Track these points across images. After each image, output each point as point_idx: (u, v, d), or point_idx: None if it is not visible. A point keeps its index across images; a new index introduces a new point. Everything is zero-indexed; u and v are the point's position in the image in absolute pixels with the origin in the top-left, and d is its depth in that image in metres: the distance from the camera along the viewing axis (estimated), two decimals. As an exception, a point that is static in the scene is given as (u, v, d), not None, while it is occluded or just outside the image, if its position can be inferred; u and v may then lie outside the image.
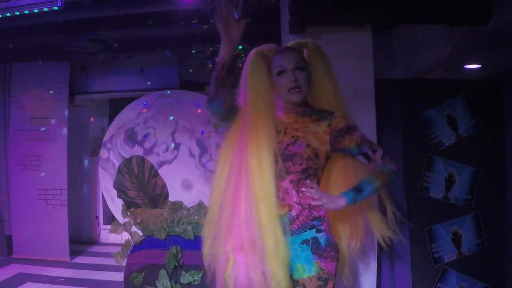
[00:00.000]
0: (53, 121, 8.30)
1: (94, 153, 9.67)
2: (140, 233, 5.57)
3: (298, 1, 4.04)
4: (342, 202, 2.71)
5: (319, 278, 2.57)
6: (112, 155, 9.04)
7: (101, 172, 9.20)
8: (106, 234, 9.38)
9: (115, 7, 5.89)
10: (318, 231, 2.68)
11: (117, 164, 8.83)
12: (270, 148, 2.65)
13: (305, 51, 2.96)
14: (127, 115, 8.96)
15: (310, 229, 2.67)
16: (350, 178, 2.97)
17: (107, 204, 9.22)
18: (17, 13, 5.23)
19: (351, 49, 4.34)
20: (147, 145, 8.70)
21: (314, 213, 2.71)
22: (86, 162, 9.59)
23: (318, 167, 2.78)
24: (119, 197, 6.06)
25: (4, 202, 8.46)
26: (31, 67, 8.39)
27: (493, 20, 3.60)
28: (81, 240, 9.21)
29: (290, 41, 4.13)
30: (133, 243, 5.51)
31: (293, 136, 2.76)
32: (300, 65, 2.76)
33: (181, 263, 5.19)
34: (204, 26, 6.23)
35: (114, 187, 6.21)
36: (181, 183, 8.24)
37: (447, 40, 4.38)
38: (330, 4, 4.02)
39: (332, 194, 2.85)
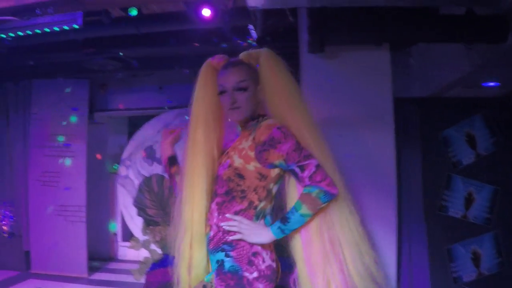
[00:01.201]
0: (72, 138, 8.35)
1: (113, 170, 9.72)
2: (159, 251, 5.57)
3: (317, 20, 4.06)
4: (267, 235, 2.53)
5: None
6: (131, 173, 9.10)
7: (119, 189, 9.25)
8: (124, 251, 9.40)
9: (134, 26, 5.95)
10: (227, 255, 2.55)
11: (135, 181, 8.88)
12: (202, 172, 2.64)
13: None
14: (146, 132, 9.02)
15: (221, 251, 2.57)
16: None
17: (125, 221, 9.27)
18: (38, 30, 5.30)
19: (369, 67, 4.34)
20: (165, 162, 8.72)
21: (227, 237, 2.57)
22: (105, 179, 9.63)
23: (247, 188, 2.58)
24: (139, 215, 6.07)
25: (22, 218, 8.51)
26: (51, 84, 8.47)
27: (511, 38, 3.60)
28: (99, 257, 9.22)
29: (309, 60, 4.16)
30: (152, 260, 5.52)
31: (227, 157, 2.66)
32: (241, 85, 2.60)
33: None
34: (223, 44, 6.26)
35: (134, 205, 6.23)
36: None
37: (465, 58, 4.38)
38: (348, 23, 4.04)
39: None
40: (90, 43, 6.79)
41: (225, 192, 2.59)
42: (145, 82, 9.08)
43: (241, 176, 2.56)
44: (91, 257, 8.45)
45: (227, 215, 2.57)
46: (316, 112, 5.28)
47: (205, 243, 2.66)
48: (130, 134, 10.11)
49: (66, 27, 5.19)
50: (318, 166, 2.47)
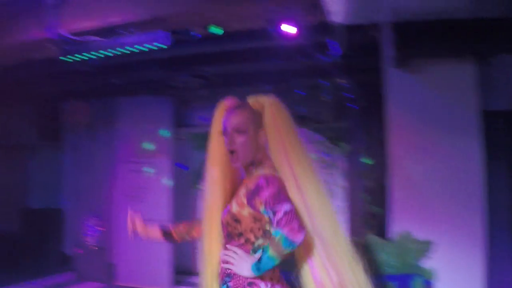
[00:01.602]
0: (157, 154, 8.50)
1: (196, 185, 9.79)
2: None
3: (401, 34, 3.97)
4: (247, 269, 2.55)
5: None
6: (214, 188, 9.14)
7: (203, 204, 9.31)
8: (208, 266, 9.44)
9: (217, 43, 5.99)
10: (227, 287, 2.65)
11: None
12: (218, 207, 2.77)
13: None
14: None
15: (224, 284, 2.67)
16: None
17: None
18: (124, 50, 5.40)
19: (454, 80, 4.26)
20: (247, 177, 8.74)
21: (228, 270, 2.66)
22: (188, 194, 9.72)
23: (244, 230, 2.65)
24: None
25: (108, 231, 8.70)
26: (136, 102, 8.66)
27: None
28: (183, 270, 9.30)
29: (393, 75, 4.07)
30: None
31: (230, 202, 2.73)
32: (240, 127, 2.66)
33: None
34: (305, 61, 6.21)
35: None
36: (282, 216, 8.20)
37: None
38: (432, 36, 3.94)
39: None
40: (174, 61, 6.89)
41: (226, 235, 2.71)
42: (227, 99, 9.13)
43: (237, 221, 2.65)
44: (176, 271, 8.56)
45: (227, 245, 2.67)
46: (400, 127, 5.18)
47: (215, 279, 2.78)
48: (213, 149, 10.18)
49: (151, 46, 5.26)
50: (287, 212, 2.43)
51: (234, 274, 2.63)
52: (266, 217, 2.61)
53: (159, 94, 8.63)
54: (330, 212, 2.72)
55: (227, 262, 2.64)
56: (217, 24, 5.57)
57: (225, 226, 2.70)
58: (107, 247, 8.75)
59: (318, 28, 5.00)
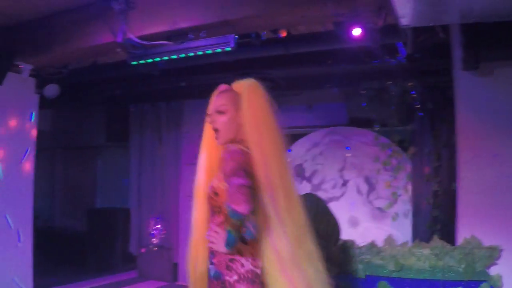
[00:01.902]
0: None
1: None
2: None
3: (470, 36, 3.92)
4: (221, 246, 2.75)
5: None
6: (281, 190, 9.18)
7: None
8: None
9: (283, 46, 6.03)
10: (211, 263, 2.88)
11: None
12: (202, 185, 3.07)
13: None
14: (295, 151, 9.09)
15: (210, 261, 2.91)
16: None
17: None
18: (191, 53, 5.49)
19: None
20: (315, 181, 8.75)
21: (211, 248, 2.88)
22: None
23: (222, 204, 2.81)
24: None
25: (172, 232, 8.85)
26: (202, 104, 8.73)
27: None
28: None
29: (463, 77, 4.04)
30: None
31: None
32: (220, 108, 2.96)
33: (349, 303, 5.12)
34: (372, 63, 6.19)
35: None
36: (348, 220, 8.18)
37: None
38: (502, 38, 3.87)
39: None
40: (241, 65, 6.97)
41: (210, 208, 2.94)
42: (293, 102, 9.15)
43: (216, 194, 2.86)
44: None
45: (210, 225, 2.90)
46: (469, 130, 5.10)
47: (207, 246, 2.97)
48: (279, 153, 10.22)
49: (218, 50, 5.33)
50: (236, 185, 2.64)
51: (216, 251, 2.85)
52: None
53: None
54: (294, 194, 2.96)
55: (210, 242, 2.83)
56: (284, 27, 5.61)
57: (207, 199, 2.93)
58: (171, 247, 8.90)
59: (386, 30, 4.98)
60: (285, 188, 2.87)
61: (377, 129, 7.68)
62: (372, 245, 5.65)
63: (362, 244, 5.64)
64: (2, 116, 6.75)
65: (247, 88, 3.03)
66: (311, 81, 7.73)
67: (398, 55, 5.76)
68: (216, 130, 2.95)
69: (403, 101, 6.98)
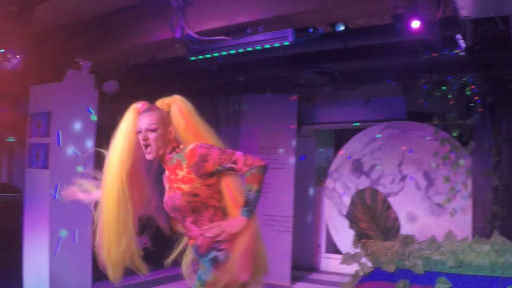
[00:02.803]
0: (281, 151, 8.64)
1: (319, 182, 9.87)
2: (370, 264, 5.56)
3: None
4: (241, 221, 3.08)
5: (213, 285, 3.07)
6: (338, 185, 9.19)
7: (326, 201, 9.38)
8: (327, 262, 9.49)
9: (341, 40, 6.03)
10: (219, 250, 3.10)
11: (342, 194, 8.96)
12: (114, 191, 3.19)
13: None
14: (353, 146, 9.08)
15: (212, 250, 3.12)
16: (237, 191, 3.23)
17: (329, 233, 9.36)
18: (250, 48, 5.55)
19: None
20: (373, 176, 8.73)
21: (217, 240, 3.11)
22: (311, 191, 9.82)
23: (205, 199, 3.14)
24: (350, 227, 6.12)
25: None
26: (260, 99, 8.85)
27: None
28: (302, 267, 9.40)
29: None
30: (361, 273, 5.52)
31: (173, 189, 3.17)
32: (151, 127, 3.14)
33: (408, 297, 5.09)
34: (431, 55, 6.12)
35: (346, 218, 6.30)
36: (406, 215, 8.13)
37: None
38: None
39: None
40: (298, 59, 7.00)
41: (191, 211, 3.16)
42: (351, 96, 9.13)
43: (195, 195, 3.11)
44: (294, 267, 8.63)
45: (205, 227, 3.14)
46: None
47: (121, 238, 3.24)
48: (336, 147, 10.22)
49: (277, 44, 5.37)
50: (244, 155, 3.09)
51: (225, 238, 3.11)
52: (215, 178, 3.14)
53: (284, 91, 8.76)
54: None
55: (216, 235, 3.10)
56: (342, 21, 5.61)
57: (187, 206, 3.13)
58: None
59: (445, 22, 4.93)
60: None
61: (436, 123, 7.58)
62: (432, 240, 5.61)
63: (422, 239, 5.60)
64: (62, 112, 6.97)
65: (174, 103, 3.28)
66: (369, 74, 7.69)
67: (457, 47, 5.69)
68: (147, 146, 3.16)
69: (463, 94, 6.89)
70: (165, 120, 3.22)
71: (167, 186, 3.28)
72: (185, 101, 3.32)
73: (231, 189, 3.20)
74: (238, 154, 3.09)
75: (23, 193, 7.54)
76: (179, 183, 3.14)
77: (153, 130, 3.15)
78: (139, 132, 3.19)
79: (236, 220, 3.11)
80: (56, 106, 6.94)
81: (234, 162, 3.06)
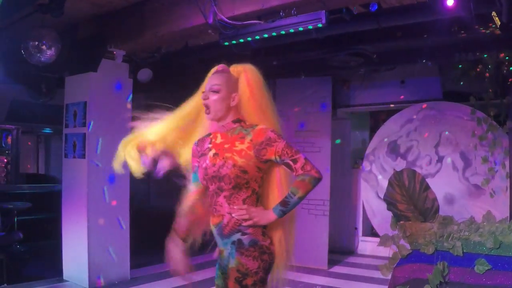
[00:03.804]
0: (317, 134, 8.64)
1: (356, 165, 9.85)
2: (408, 246, 5.54)
3: None
4: (271, 216, 3.08)
5: (237, 270, 3.01)
6: (374, 167, 9.16)
7: (362, 184, 9.36)
8: (364, 245, 9.51)
9: (375, 21, 5.97)
10: (244, 234, 3.06)
11: (379, 176, 8.94)
12: (172, 125, 3.47)
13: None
14: (389, 127, 9.03)
15: (237, 232, 3.07)
16: (283, 188, 3.21)
17: (366, 216, 9.35)
18: (283, 32, 5.54)
19: None
20: (410, 157, 8.68)
21: (242, 222, 3.08)
22: (347, 174, 9.80)
23: (250, 179, 3.09)
24: (388, 209, 6.08)
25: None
26: (294, 83, 8.82)
27: None
28: (339, 250, 9.45)
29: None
30: (399, 256, 5.49)
31: (223, 158, 3.11)
32: (214, 88, 3.15)
33: (447, 280, 5.03)
34: (467, 34, 6.03)
35: (383, 200, 6.26)
36: (443, 197, 8.07)
37: None
38: None
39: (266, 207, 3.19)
40: (332, 41, 6.96)
41: (233, 187, 3.08)
42: (386, 77, 9.07)
43: (245, 172, 3.06)
44: (331, 250, 8.67)
45: (235, 207, 3.08)
46: None
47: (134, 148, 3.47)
48: (372, 129, 10.18)
49: (310, 27, 5.35)
50: (306, 159, 3.07)
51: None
52: (268, 166, 3.14)
53: (318, 74, 8.71)
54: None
55: (241, 219, 3.06)
56: (375, 1, 5.56)
57: (233, 179, 3.06)
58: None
59: (480, -1, 4.86)
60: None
61: (472, 103, 7.48)
62: (471, 221, 5.54)
63: (461, 221, 5.54)
64: (98, 102, 7.09)
65: (245, 72, 3.28)
66: (403, 55, 7.60)
67: (493, 25, 5.60)
68: (207, 107, 3.17)
69: (499, 73, 6.78)
70: (231, 85, 3.21)
71: (211, 152, 3.21)
72: (256, 73, 3.31)
73: (282, 182, 3.22)
74: (301, 156, 3.07)
75: (61, 183, 7.71)
76: (234, 154, 3.09)
77: (215, 91, 3.16)
78: (204, 91, 3.23)
79: (267, 213, 3.10)
80: (91, 96, 7.05)
81: (294, 161, 3.04)
